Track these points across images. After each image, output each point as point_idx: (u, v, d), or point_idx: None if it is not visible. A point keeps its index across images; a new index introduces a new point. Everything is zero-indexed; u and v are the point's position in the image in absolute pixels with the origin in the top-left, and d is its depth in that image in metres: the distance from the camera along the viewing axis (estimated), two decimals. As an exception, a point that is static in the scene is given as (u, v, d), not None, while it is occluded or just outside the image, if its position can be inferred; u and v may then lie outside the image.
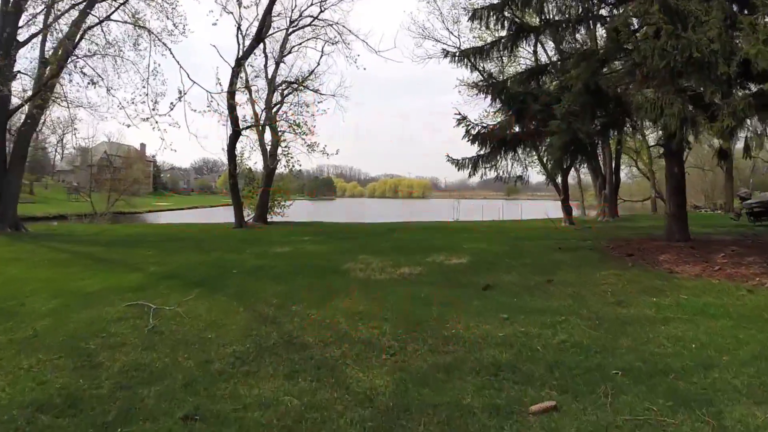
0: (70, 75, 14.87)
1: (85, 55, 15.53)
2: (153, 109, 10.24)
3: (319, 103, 18.81)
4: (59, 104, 15.96)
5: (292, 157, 17.55)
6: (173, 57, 11.65)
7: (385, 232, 14.14)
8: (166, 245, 12.09)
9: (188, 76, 11.45)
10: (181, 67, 11.25)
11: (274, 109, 18.60)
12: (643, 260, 9.21)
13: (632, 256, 9.58)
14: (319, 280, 6.82)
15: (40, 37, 14.35)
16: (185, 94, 10.23)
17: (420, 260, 8.52)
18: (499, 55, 11.31)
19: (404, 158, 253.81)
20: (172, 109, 10.18)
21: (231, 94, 15.04)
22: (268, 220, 19.33)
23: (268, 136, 18.70)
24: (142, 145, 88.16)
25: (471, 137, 11.07)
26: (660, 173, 37.11)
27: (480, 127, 10.23)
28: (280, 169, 18.98)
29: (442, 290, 6.25)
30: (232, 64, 14.99)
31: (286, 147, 18.29)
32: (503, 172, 10.85)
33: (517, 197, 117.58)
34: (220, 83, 10.41)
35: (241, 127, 16.18)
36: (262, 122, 17.18)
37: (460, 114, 10.27)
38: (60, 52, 13.70)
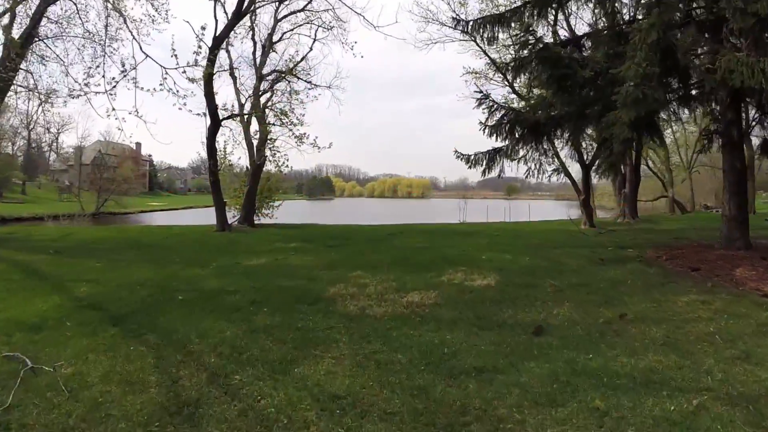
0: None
1: (48, 37, 13.40)
2: (110, 89, 8.07)
3: (309, 90, 16.66)
4: (20, 90, 13.74)
5: (277, 152, 15.40)
6: (127, 27, 9.47)
7: (385, 238, 12.00)
8: (123, 254, 9.98)
9: (140, 48, 9.29)
10: (134, 37, 9.11)
11: (262, 99, 16.44)
12: (717, 277, 7.12)
13: (698, 270, 7.49)
14: (289, 319, 4.65)
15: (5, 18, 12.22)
16: (135, 68, 8.04)
17: (432, 280, 6.38)
18: (521, 23, 9.16)
19: (403, 158, 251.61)
20: (114, 86, 7.98)
21: (208, 78, 12.87)
22: (256, 221, 17.17)
23: (255, 128, 16.54)
24: (138, 145, 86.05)
25: (491, 127, 8.93)
26: (675, 171, 35.09)
27: (506, 108, 8.05)
28: (269, 166, 16.84)
29: (474, 336, 4.10)
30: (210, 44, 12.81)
31: (274, 141, 16.14)
32: (534, 164, 8.70)
33: (517, 197, 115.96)
34: (175, 56, 8.17)
35: (221, 116, 14.04)
36: (246, 112, 15.01)
37: (481, 92, 8.11)
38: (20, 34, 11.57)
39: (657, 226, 17.20)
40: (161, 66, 7.63)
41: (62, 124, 69.62)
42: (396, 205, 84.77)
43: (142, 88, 7.65)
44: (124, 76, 7.76)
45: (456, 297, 5.45)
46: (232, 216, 16.89)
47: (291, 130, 14.46)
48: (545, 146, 9.06)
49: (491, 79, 18.88)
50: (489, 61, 17.21)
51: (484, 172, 9.77)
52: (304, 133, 14.51)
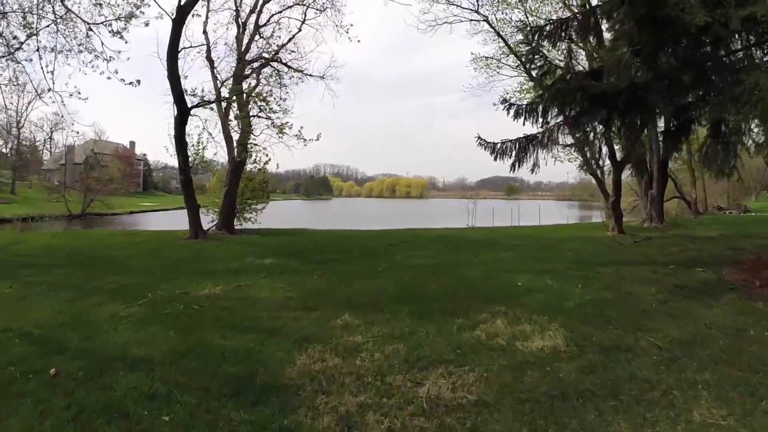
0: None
1: None
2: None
3: (300, 80, 14.35)
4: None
5: (254, 145, 13.04)
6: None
7: (384, 250, 9.65)
8: (52, 273, 7.68)
9: (62, 1, 6.94)
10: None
11: (245, 85, 14.08)
12: None
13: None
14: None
15: None
16: (48, 26, 5.70)
17: (462, 337, 4.01)
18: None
19: (402, 157, 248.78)
20: (15, 51, 5.64)
21: (172, 55, 10.52)
22: (237, 227, 14.80)
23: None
24: (132, 143, 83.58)
25: (525, 108, 6.59)
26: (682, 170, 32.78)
27: (563, 70, 5.71)
28: (251, 165, 14.47)
29: None
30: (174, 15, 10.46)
31: (258, 135, 13.79)
32: (591, 153, 6.36)
33: (517, 197, 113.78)
34: (99, 3, 5.81)
35: (192, 103, 11.67)
36: (225, 96, 12.64)
37: (531, 45, 5.74)
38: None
39: (693, 232, 14.91)
40: (83, 21, 5.29)
41: (55, 123, 67.23)
42: (395, 206, 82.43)
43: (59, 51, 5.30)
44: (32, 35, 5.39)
45: (512, 383, 3.09)
46: (211, 220, 14.54)
47: (270, 118, 12.12)
48: (598, 130, 6.72)
49: (499, 69, 16.61)
50: (502, 44, 14.91)
51: (513, 165, 7.47)
52: (286, 123, 12.18)
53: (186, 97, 11.70)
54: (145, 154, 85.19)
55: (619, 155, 14.82)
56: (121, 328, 4.47)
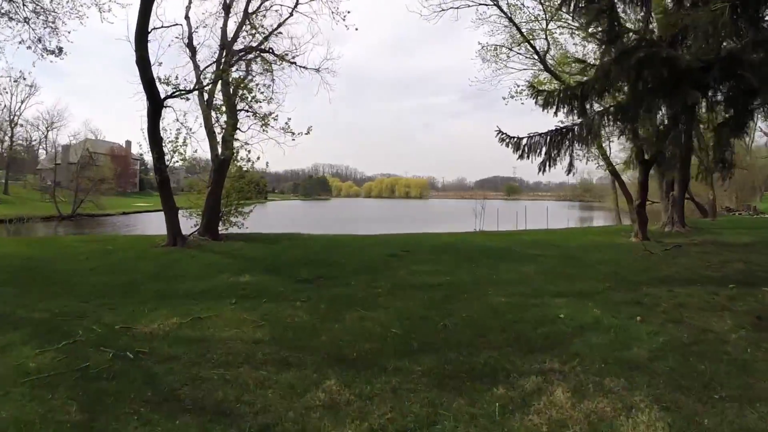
0: None
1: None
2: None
3: (288, 64, 12.89)
4: None
5: (243, 142, 11.61)
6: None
7: (384, 263, 8.19)
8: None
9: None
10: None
11: (235, 74, 12.62)
12: None
13: None
14: None
15: None
16: None
17: (506, 424, 2.60)
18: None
19: (400, 157, 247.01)
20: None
21: (140, 35, 9.06)
22: (223, 231, 13.33)
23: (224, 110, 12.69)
24: (128, 143, 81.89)
25: (560, 95, 5.17)
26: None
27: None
28: (240, 163, 13.04)
29: None
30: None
31: (243, 129, 12.35)
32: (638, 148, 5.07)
33: (517, 197, 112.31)
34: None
35: (166, 93, 10.21)
36: (207, 84, 11.18)
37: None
38: None
39: (721, 238, 13.50)
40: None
41: (51, 121, 65.60)
42: (395, 207, 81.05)
43: None
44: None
45: None
46: (194, 225, 13.08)
47: (251, 108, 10.67)
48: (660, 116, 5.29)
49: (507, 63, 15.15)
50: (514, 32, 13.47)
51: (543, 165, 6.07)
52: (271, 114, 10.74)
53: (160, 86, 10.25)
54: (141, 154, 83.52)
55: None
56: (13, 395, 3.02)
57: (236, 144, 11.62)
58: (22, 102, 68.33)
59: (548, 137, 6.03)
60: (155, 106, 10.24)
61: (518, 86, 15.45)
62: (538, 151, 6.13)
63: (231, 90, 12.42)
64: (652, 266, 8.51)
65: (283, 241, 11.57)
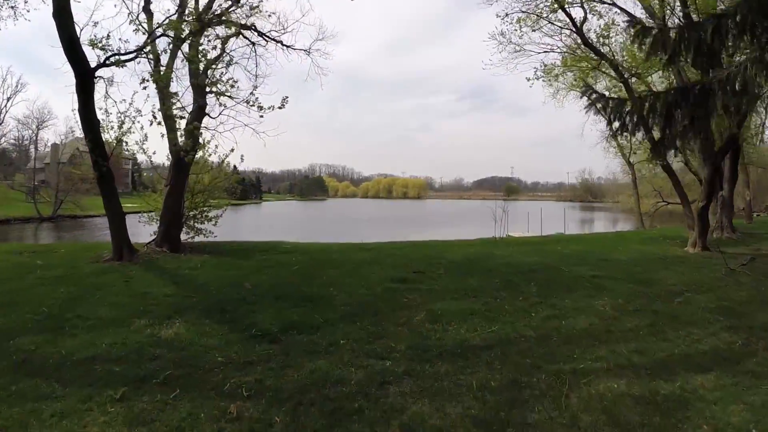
0: None
1: None
2: None
3: (275, 43, 10.31)
4: None
5: (197, 127, 8.99)
6: None
7: (390, 297, 5.56)
8: None
9: None
10: None
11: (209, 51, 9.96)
12: None
13: None
14: None
15: None
16: None
17: None
18: None
19: (398, 158, 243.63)
20: None
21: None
22: (188, 239, 10.66)
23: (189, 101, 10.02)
24: (119, 141, 78.91)
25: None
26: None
27: None
28: (206, 154, 10.43)
29: None
30: None
31: (213, 114, 9.74)
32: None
33: (517, 198, 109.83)
34: None
35: (99, 61, 7.55)
36: (149, 41, 8.46)
37: None
38: None
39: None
40: None
41: (41, 120, 62.55)
42: (393, 207, 78.54)
43: None
44: None
45: None
46: (152, 233, 10.40)
47: (216, 89, 8.08)
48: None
49: (523, 47, 12.58)
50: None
51: (661, 144, 3.51)
52: (231, 79, 8.15)
53: (93, 52, 7.60)
54: (134, 154, 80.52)
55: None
56: None
57: (206, 135, 8.99)
58: (8, 99, 65.19)
59: (691, 93, 3.48)
60: (83, 76, 7.58)
61: (545, 65, 12.95)
62: (657, 119, 3.56)
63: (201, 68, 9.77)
64: (758, 293, 6.00)
65: (258, 255, 8.91)
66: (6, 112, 56.55)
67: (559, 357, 3.75)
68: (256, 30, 10.87)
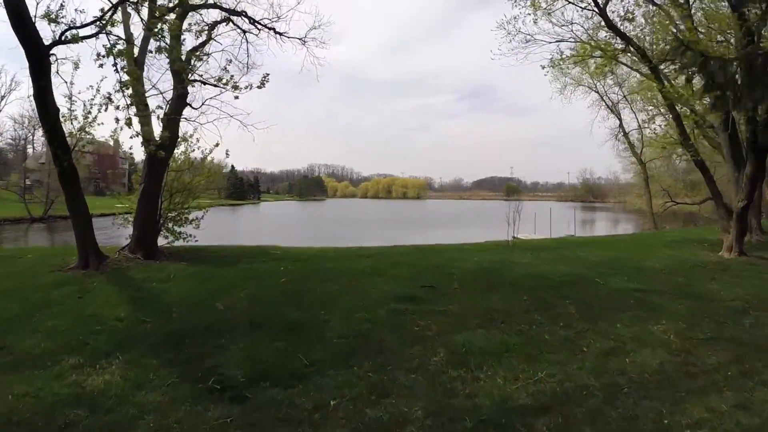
0: None
1: None
2: None
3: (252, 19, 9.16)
4: None
5: (178, 117, 7.86)
6: None
7: (397, 323, 4.38)
8: None
9: None
10: None
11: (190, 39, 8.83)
12: None
13: None
14: None
15: None
16: None
17: None
18: None
19: (397, 158, 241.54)
20: None
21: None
22: (167, 243, 9.49)
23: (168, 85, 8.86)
24: (116, 141, 77.58)
25: None
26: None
27: None
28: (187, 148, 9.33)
29: None
30: None
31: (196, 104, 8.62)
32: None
33: (518, 198, 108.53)
34: None
35: (55, 37, 6.40)
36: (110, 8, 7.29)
37: None
38: None
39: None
40: None
41: (38, 118, 61.30)
42: (393, 208, 77.37)
43: None
44: None
45: None
46: (127, 237, 9.21)
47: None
48: None
49: (534, 35, 11.54)
50: None
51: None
52: (200, 52, 7.01)
53: (48, 27, 6.45)
54: (132, 154, 79.22)
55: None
56: None
57: (188, 128, 7.87)
58: (2, 98, 63.75)
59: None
60: (35, 55, 6.41)
61: (561, 53, 11.92)
62: None
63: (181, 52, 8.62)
64: None
65: (243, 263, 7.74)
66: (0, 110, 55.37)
67: (642, 421, 2.62)
68: (247, 17, 9.79)
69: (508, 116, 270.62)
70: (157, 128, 8.40)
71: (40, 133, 62.63)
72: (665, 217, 28.24)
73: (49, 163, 39.89)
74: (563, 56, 12.39)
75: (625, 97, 21.05)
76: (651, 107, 21.44)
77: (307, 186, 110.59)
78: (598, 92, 22.51)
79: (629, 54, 10.61)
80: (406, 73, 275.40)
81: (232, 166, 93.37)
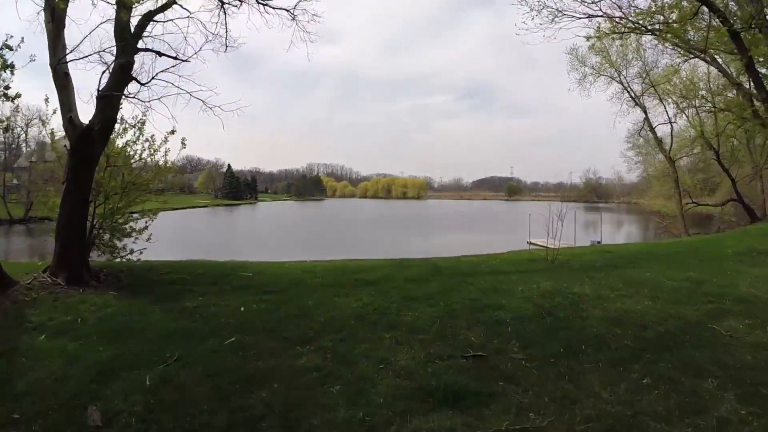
0: None
1: None
2: None
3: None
4: None
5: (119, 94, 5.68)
6: None
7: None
8: None
9: None
10: None
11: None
12: None
13: None
14: None
15: None
16: None
17: None
18: None
19: (396, 158, 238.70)
20: None
21: None
22: (105, 260, 7.22)
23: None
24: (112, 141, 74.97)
25: None
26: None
27: None
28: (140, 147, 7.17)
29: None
30: None
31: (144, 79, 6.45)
32: None
33: (519, 198, 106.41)
34: None
35: None
36: None
37: None
38: None
39: None
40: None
41: (30, 117, 58.94)
42: (394, 208, 75.11)
43: None
44: None
45: None
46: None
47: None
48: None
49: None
50: None
51: None
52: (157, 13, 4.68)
53: None
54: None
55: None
56: None
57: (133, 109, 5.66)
58: None
59: None
60: None
61: (599, 25, 9.84)
62: None
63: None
64: None
65: (195, 293, 5.45)
66: (-12, 107, 52.94)
67: None
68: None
69: (508, 116, 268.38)
70: (87, 108, 6.17)
71: (34, 132, 60.12)
72: (698, 219, 26.15)
73: (31, 165, 37.60)
74: (600, 30, 10.32)
75: (653, 86, 18.81)
76: (681, 99, 19.21)
77: (306, 186, 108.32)
78: (621, 83, 20.31)
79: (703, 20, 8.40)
80: (406, 72, 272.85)
81: (229, 165, 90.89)
